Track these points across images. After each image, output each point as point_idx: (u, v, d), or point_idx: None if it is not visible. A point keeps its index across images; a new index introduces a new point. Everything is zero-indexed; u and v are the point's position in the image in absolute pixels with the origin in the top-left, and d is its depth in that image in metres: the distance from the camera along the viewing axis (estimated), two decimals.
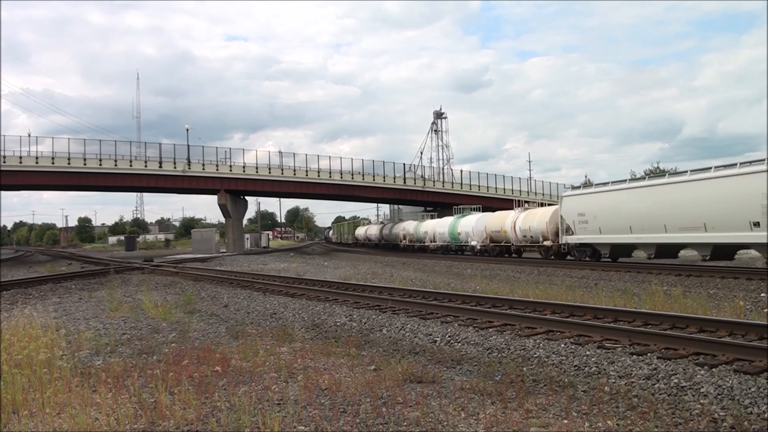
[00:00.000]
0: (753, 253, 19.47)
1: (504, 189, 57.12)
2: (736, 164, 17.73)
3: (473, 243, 34.03)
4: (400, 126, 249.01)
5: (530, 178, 68.02)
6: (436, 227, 40.62)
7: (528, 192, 56.70)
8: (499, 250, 32.21)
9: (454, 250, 38.09)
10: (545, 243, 27.17)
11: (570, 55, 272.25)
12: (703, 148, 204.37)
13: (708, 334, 7.68)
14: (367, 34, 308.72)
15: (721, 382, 5.56)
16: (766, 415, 4.80)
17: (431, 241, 40.68)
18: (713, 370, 5.97)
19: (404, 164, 59.21)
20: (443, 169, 65.81)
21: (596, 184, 25.76)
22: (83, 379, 6.09)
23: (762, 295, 12.27)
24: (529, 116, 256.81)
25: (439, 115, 70.41)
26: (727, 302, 11.15)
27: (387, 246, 52.00)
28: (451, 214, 40.96)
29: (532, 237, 28.35)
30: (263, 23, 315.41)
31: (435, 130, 70.08)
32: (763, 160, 16.54)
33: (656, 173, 50.80)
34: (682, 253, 22.41)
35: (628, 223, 21.17)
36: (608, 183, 23.76)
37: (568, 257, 25.45)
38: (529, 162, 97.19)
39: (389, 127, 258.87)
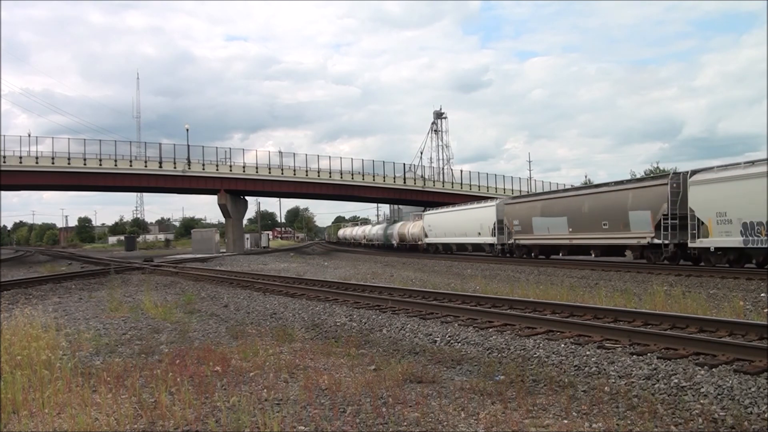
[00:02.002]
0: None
1: (504, 189, 57.08)
2: (476, 201, 35.97)
3: (393, 242, 50.65)
4: (400, 126, 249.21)
5: (530, 178, 68.09)
6: (378, 230, 57.94)
7: (528, 192, 56.64)
8: (404, 247, 47.33)
9: (386, 246, 52.85)
10: (419, 243, 43.13)
11: (570, 55, 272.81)
12: (703, 148, 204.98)
13: (708, 334, 7.68)
14: (367, 34, 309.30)
15: (721, 382, 5.56)
16: (766, 415, 4.80)
17: (377, 241, 57.20)
18: (713, 370, 5.97)
19: (404, 164, 59.39)
20: (443, 169, 65.95)
21: (436, 208, 41.68)
22: (83, 379, 6.08)
23: (762, 295, 12.27)
24: (529, 116, 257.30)
25: (439, 115, 70.45)
26: (727, 302, 11.15)
27: (355, 243, 66.16)
28: None
29: (415, 239, 44.48)
30: (263, 23, 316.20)
31: (435, 130, 70.14)
32: (494, 198, 35.29)
33: (656, 174, 51.44)
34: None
35: (444, 232, 38.33)
36: (440, 208, 41.39)
37: (427, 251, 40.70)
38: (529, 162, 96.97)
39: (389, 127, 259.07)
